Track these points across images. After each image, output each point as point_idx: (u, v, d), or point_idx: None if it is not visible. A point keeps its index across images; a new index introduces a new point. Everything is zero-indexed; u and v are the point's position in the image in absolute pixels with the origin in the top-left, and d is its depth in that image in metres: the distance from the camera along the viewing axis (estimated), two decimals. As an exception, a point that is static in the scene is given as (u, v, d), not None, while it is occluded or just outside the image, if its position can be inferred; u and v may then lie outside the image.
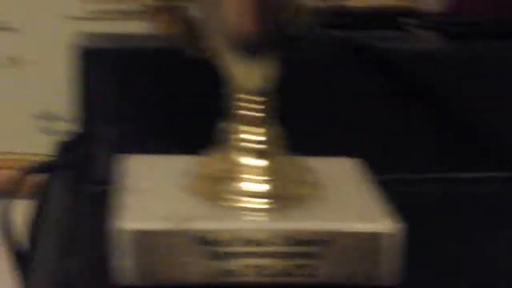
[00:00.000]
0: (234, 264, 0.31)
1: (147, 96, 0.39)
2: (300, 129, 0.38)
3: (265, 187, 0.32)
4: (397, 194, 0.36)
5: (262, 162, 0.32)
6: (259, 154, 0.32)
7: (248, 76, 0.32)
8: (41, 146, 0.59)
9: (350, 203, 0.32)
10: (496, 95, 0.44)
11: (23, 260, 0.49)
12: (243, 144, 0.32)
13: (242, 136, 0.32)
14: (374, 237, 0.31)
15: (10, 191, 0.51)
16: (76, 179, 0.44)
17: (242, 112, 0.32)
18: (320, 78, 0.41)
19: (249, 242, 0.30)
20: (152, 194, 0.33)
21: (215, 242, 0.30)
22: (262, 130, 0.32)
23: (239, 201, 0.32)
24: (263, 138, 0.32)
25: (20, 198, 0.52)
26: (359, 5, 0.58)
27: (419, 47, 0.46)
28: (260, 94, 0.32)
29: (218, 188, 0.32)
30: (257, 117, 0.32)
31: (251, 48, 0.31)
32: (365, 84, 0.43)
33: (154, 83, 0.40)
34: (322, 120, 0.41)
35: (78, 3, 0.54)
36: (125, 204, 0.32)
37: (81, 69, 0.40)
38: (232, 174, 0.32)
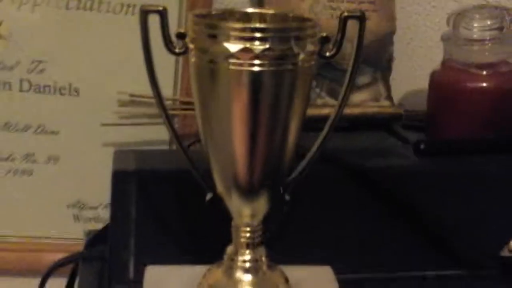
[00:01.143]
0: None
1: (167, 214, 0.52)
2: (288, 238, 0.51)
3: (251, 296, 0.44)
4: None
5: (249, 276, 0.44)
6: (247, 270, 0.44)
7: (241, 212, 0.44)
8: (73, 231, 0.72)
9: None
10: (456, 204, 0.55)
11: None
12: (236, 262, 0.45)
13: (236, 256, 0.45)
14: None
15: (46, 274, 0.64)
16: (102, 272, 0.56)
17: (237, 238, 0.45)
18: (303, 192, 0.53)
19: None
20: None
21: None
22: (250, 252, 0.44)
23: (233, 307, 0.44)
24: (249, 258, 0.44)
25: (53, 277, 0.65)
26: (355, 112, 0.70)
27: (394, 163, 0.58)
28: (250, 225, 0.44)
29: (217, 297, 0.45)
30: (247, 243, 0.44)
31: (243, 191, 0.43)
32: (343, 196, 0.55)
33: (174, 203, 0.52)
34: (303, 229, 0.53)
35: (111, 112, 0.66)
36: None
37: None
38: (227, 285, 0.44)
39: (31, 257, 0.69)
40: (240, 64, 0.39)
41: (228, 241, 0.46)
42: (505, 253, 0.53)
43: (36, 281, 0.63)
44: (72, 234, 0.69)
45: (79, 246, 0.66)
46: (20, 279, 0.72)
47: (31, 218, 0.69)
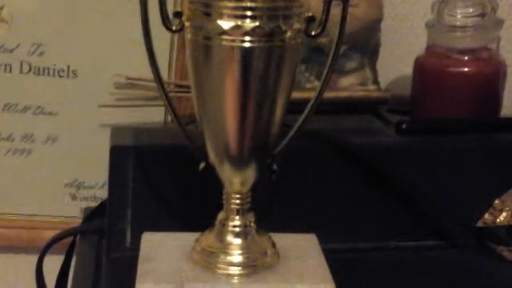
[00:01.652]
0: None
1: (163, 186, 0.56)
2: (274, 208, 0.55)
3: (240, 258, 0.48)
4: (344, 261, 0.52)
5: (239, 240, 0.49)
6: (237, 234, 0.49)
7: (232, 180, 0.48)
8: (70, 210, 0.75)
9: (299, 271, 0.48)
10: (434, 180, 0.60)
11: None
12: (226, 227, 0.49)
13: (227, 221, 0.49)
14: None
15: (44, 248, 0.68)
16: (100, 244, 0.61)
17: (228, 205, 0.49)
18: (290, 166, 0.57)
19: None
20: (163, 263, 0.49)
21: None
22: (240, 217, 0.49)
23: (223, 268, 0.48)
24: (239, 223, 0.49)
25: (51, 254, 0.69)
26: (342, 95, 0.75)
27: (377, 140, 0.62)
28: (240, 193, 0.49)
29: (209, 259, 0.49)
30: (237, 209, 0.49)
31: (234, 161, 0.48)
32: (329, 170, 0.59)
33: (170, 176, 0.56)
34: (290, 201, 0.58)
35: (108, 93, 0.69)
36: (141, 270, 0.48)
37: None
38: (218, 249, 0.49)
39: (29, 234, 0.73)
40: (232, 40, 0.44)
41: (219, 209, 0.50)
42: (479, 224, 0.58)
43: (35, 257, 0.67)
44: (69, 212, 0.73)
45: (77, 224, 0.71)
46: (19, 255, 0.77)
47: (29, 196, 0.73)
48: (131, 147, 0.57)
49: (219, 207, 0.51)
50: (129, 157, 0.56)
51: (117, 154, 0.57)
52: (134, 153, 0.57)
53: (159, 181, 0.57)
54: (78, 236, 0.66)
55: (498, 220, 0.59)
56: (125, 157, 0.56)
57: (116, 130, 0.62)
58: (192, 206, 0.56)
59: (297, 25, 0.45)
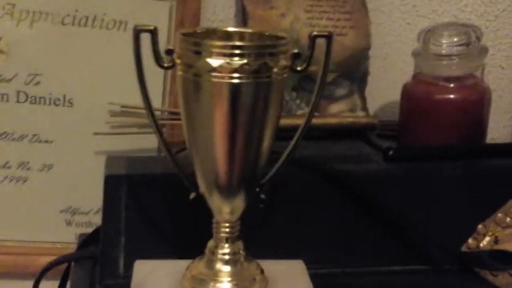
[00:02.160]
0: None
1: (155, 214, 0.58)
2: (263, 234, 0.58)
3: (229, 286, 0.51)
4: (332, 286, 0.54)
5: (228, 268, 0.51)
6: (226, 262, 0.51)
7: (221, 209, 0.51)
8: (66, 236, 0.77)
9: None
10: (419, 205, 0.62)
11: None
12: (216, 255, 0.52)
13: (216, 249, 0.52)
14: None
15: (39, 275, 0.69)
16: (94, 271, 0.62)
17: (217, 233, 0.52)
18: (279, 193, 0.59)
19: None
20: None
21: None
22: (229, 245, 0.51)
23: (214, 295, 0.51)
24: (228, 251, 0.51)
25: (46, 279, 0.71)
26: (332, 122, 0.78)
27: (364, 167, 0.65)
28: (229, 221, 0.51)
29: (199, 286, 0.51)
30: (226, 237, 0.51)
31: (223, 190, 0.50)
32: (317, 197, 0.62)
33: (162, 204, 0.59)
34: (279, 227, 0.60)
35: (103, 122, 0.72)
36: None
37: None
38: (208, 276, 0.51)
39: (25, 260, 0.75)
40: (221, 77, 0.47)
41: (209, 236, 0.53)
42: (463, 249, 0.61)
43: (30, 283, 0.68)
44: (65, 238, 0.76)
45: (72, 250, 0.73)
46: (15, 281, 0.78)
47: (25, 223, 0.75)
48: (124, 176, 0.60)
49: (211, 234, 0.53)
50: (122, 186, 0.59)
51: (111, 183, 0.59)
52: (128, 182, 0.59)
53: (152, 209, 0.59)
54: (72, 263, 0.69)
55: (481, 244, 0.61)
56: (119, 186, 0.59)
57: (111, 159, 0.65)
58: (184, 233, 0.59)
59: (283, 62, 0.48)
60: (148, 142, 0.73)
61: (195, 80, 0.47)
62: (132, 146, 0.74)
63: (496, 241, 0.62)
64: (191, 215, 0.54)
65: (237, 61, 0.46)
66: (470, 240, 0.61)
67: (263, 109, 0.48)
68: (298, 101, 0.76)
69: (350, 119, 0.76)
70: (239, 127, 0.48)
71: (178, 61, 0.48)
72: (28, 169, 0.74)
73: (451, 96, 0.70)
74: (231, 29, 0.52)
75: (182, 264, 0.53)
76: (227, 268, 0.51)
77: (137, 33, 0.48)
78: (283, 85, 0.49)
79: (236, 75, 0.46)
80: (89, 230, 0.74)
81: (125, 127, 0.73)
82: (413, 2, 0.81)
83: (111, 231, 0.59)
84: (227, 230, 0.51)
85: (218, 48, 0.46)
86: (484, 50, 0.72)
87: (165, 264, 0.55)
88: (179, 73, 0.48)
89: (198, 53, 0.47)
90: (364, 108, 0.78)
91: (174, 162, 0.52)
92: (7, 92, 0.72)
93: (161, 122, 0.73)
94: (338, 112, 0.76)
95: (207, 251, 0.52)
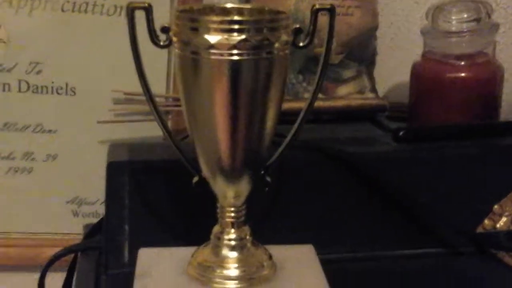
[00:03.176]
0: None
1: (159, 201, 0.56)
2: (271, 219, 0.55)
3: (236, 272, 0.48)
4: (343, 271, 0.52)
5: (235, 254, 0.48)
6: (232, 248, 0.49)
7: (225, 194, 0.48)
8: (73, 226, 0.75)
9: (297, 282, 0.48)
10: (432, 187, 0.59)
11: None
12: (222, 240, 0.49)
13: (222, 235, 0.49)
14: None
15: (45, 266, 0.68)
16: (100, 261, 0.61)
17: (222, 218, 0.49)
18: (286, 176, 0.57)
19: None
20: (159, 278, 0.49)
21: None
22: (235, 230, 0.49)
23: (220, 283, 0.48)
24: (235, 236, 0.49)
25: (54, 271, 0.69)
26: (341, 104, 0.75)
27: (374, 149, 0.62)
28: (234, 206, 0.49)
29: (205, 273, 0.48)
30: (232, 222, 0.49)
31: (227, 174, 0.47)
32: (327, 180, 0.59)
33: (165, 191, 0.56)
34: (287, 212, 0.57)
35: (106, 110, 0.70)
36: (138, 286, 0.48)
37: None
38: (215, 263, 0.48)
39: (31, 252, 0.73)
40: (220, 54, 0.44)
41: (215, 222, 0.50)
42: (479, 230, 0.58)
43: (38, 275, 0.66)
44: (71, 229, 0.74)
45: (78, 241, 0.71)
46: (22, 273, 0.77)
47: (31, 214, 0.73)
48: (126, 163, 0.57)
49: (216, 220, 0.51)
50: (125, 173, 0.56)
51: (113, 171, 0.57)
52: (130, 169, 0.57)
53: (156, 196, 0.57)
54: (79, 254, 0.66)
55: (498, 225, 0.58)
56: (121, 173, 0.56)
57: (113, 147, 0.62)
58: (188, 220, 0.56)
59: (284, 37, 0.45)
60: (153, 130, 0.70)
61: (193, 59, 0.44)
62: (137, 134, 0.71)
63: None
64: (195, 201, 0.52)
65: (235, 37, 0.43)
66: (486, 221, 0.58)
67: (265, 88, 0.45)
68: (305, 84, 0.73)
69: (359, 101, 0.73)
70: (240, 108, 0.45)
71: (175, 39, 0.45)
72: (32, 159, 0.72)
73: (462, 74, 0.67)
74: (229, 5, 0.49)
75: (187, 251, 0.51)
76: (233, 254, 0.48)
77: (131, 10, 0.45)
78: (286, 63, 0.46)
79: (235, 51, 0.43)
80: (96, 220, 0.72)
81: (129, 114, 0.71)
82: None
83: (114, 220, 0.56)
84: (233, 215, 0.49)
85: (215, 23, 0.43)
86: (495, 27, 0.68)
87: (169, 251, 0.52)
88: (176, 51, 0.45)
89: (195, 29, 0.44)
90: (373, 89, 0.75)
91: (176, 145, 0.49)
92: (8, 82, 0.70)
93: (166, 108, 0.71)
94: (347, 94, 0.73)
95: (212, 237, 0.50)
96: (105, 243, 0.57)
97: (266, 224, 0.55)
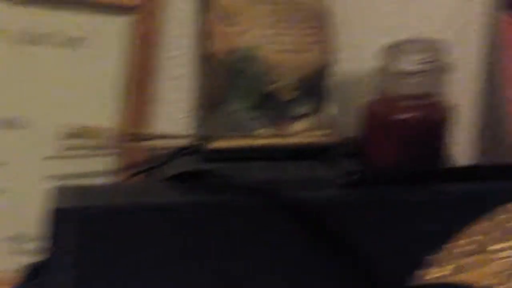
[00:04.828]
0: None
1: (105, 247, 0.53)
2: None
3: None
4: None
5: None
6: None
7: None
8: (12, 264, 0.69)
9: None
10: (380, 231, 0.58)
11: None
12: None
13: None
14: None
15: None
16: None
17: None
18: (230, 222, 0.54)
19: None
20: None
21: None
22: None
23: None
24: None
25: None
26: (293, 141, 0.73)
27: (321, 194, 0.60)
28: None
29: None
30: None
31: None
32: (270, 226, 0.56)
33: (113, 237, 0.53)
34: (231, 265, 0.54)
35: (57, 144, 0.68)
36: None
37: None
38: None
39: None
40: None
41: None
42: (421, 280, 0.56)
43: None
44: (11, 267, 0.68)
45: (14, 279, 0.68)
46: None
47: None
48: (73, 209, 0.54)
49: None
50: (70, 220, 0.54)
51: (60, 217, 0.54)
52: (77, 216, 0.54)
53: (102, 242, 0.55)
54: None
55: (443, 273, 0.57)
56: (67, 220, 0.54)
57: (60, 189, 0.58)
58: (136, 268, 0.54)
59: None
60: (104, 164, 0.69)
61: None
62: (87, 169, 0.69)
63: (460, 269, 0.58)
64: (142, 247, 0.50)
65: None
66: (430, 270, 0.56)
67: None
68: (255, 122, 0.71)
69: (313, 138, 0.71)
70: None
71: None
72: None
73: (412, 115, 0.65)
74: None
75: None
76: None
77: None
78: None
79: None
80: (36, 260, 0.69)
81: (80, 149, 0.69)
82: (378, 18, 0.76)
83: (59, 267, 0.54)
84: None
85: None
86: (447, 67, 0.68)
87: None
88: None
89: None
90: (327, 126, 0.74)
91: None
92: (-42, 114, 0.68)
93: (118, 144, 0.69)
94: (300, 131, 0.72)
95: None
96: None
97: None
